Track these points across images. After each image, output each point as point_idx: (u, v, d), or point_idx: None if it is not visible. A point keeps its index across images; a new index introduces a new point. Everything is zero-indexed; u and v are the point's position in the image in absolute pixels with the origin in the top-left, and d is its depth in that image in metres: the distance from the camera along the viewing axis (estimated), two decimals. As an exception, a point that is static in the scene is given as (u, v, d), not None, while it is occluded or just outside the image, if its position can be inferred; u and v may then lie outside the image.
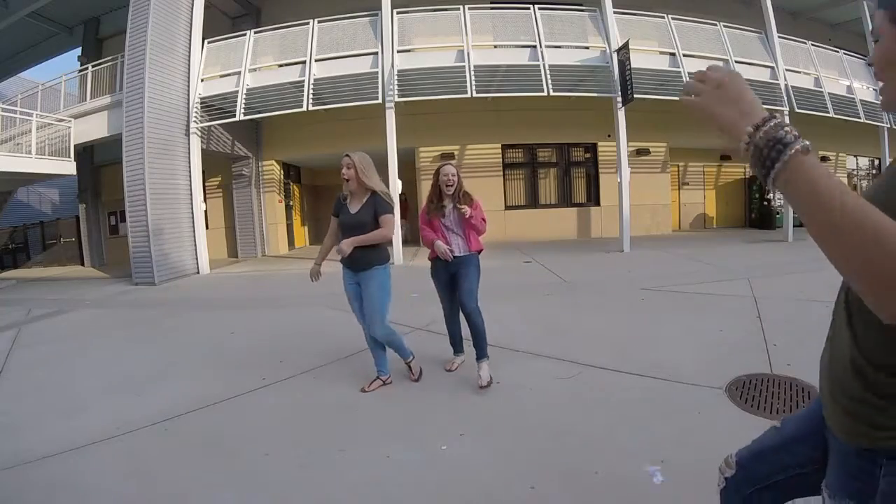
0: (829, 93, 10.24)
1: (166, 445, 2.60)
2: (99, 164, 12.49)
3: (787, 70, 10.09)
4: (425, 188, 3.94)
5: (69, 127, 9.76)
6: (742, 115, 0.68)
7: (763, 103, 0.70)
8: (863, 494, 0.80)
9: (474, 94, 8.57)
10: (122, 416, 2.93)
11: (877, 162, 14.96)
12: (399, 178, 8.96)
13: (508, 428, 2.58)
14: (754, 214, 14.20)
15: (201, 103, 9.43)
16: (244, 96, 9.06)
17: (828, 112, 10.12)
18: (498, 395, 3.00)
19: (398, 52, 8.84)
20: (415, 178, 11.70)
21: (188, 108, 9.34)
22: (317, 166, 14.37)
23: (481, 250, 3.36)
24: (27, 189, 16.88)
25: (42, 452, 2.54)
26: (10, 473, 2.37)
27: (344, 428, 2.69)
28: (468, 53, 8.77)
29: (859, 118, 10.65)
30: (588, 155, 12.41)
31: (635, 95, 8.62)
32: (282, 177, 12.74)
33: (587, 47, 9.34)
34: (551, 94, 8.74)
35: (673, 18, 9.46)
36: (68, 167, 9.89)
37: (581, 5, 9.66)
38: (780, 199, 12.78)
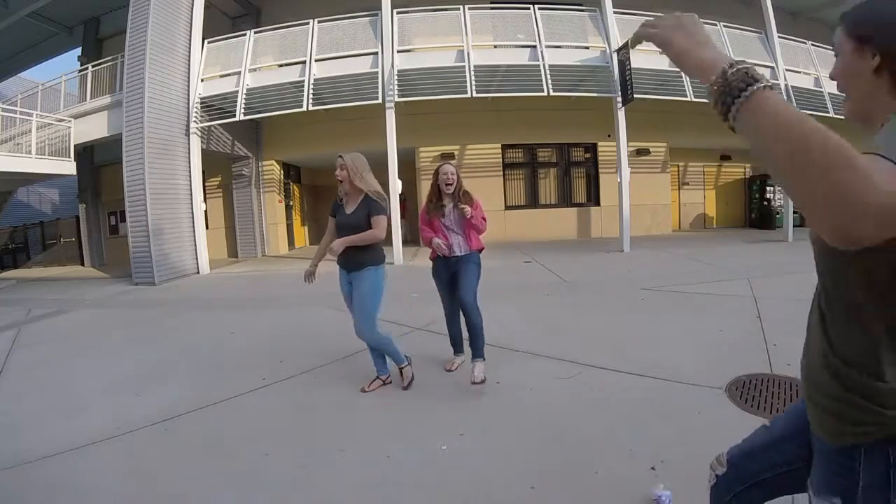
0: (828, 93, 10.24)
1: (166, 445, 2.60)
2: (99, 164, 12.50)
3: (787, 70, 10.09)
4: (425, 188, 3.94)
5: (69, 127, 9.76)
6: (699, 44, 0.72)
7: None
8: (847, 491, 0.83)
9: (474, 94, 8.58)
10: (122, 416, 2.93)
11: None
12: (399, 178, 8.97)
13: (508, 428, 2.58)
14: (754, 214, 14.20)
15: (201, 103, 9.43)
16: (244, 96, 9.06)
17: (828, 112, 10.11)
18: (498, 395, 2.99)
19: (398, 52, 8.84)
20: (415, 178, 11.71)
21: (188, 108, 9.34)
22: (317, 166, 14.37)
23: (482, 249, 3.38)
24: (27, 189, 16.88)
25: (42, 452, 2.54)
26: (10, 473, 2.37)
27: (344, 428, 2.69)
28: (468, 53, 8.77)
29: (859, 118, 10.63)
30: (588, 155, 12.41)
31: (635, 95, 8.62)
32: (282, 177, 12.74)
33: (587, 47, 9.34)
34: (551, 94, 8.74)
35: (673, 18, 9.45)
36: (68, 167, 9.89)
37: (581, 5, 9.67)
38: (780, 198, 12.79)
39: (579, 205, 12.41)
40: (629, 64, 8.57)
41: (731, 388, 2.85)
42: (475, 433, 2.53)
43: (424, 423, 2.71)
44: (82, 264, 12.95)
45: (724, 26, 9.80)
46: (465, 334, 3.41)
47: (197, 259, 9.49)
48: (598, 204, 12.32)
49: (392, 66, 8.70)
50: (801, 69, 10.48)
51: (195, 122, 9.35)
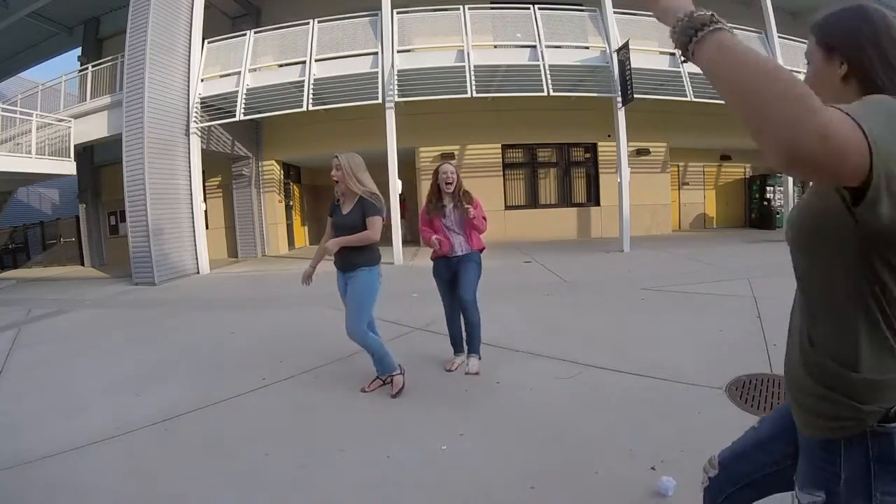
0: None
1: (166, 445, 2.60)
2: (99, 164, 12.50)
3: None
4: (425, 188, 3.95)
5: (69, 127, 9.76)
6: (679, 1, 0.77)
7: None
8: (830, 484, 0.86)
9: (474, 94, 8.58)
10: (122, 416, 2.93)
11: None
12: (399, 178, 8.97)
13: (508, 428, 2.58)
14: (754, 214, 14.20)
15: (201, 103, 9.43)
16: (244, 96, 9.06)
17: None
18: (498, 395, 2.99)
19: (398, 52, 8.84)
20: (415, 178, 11.71)
21: (188, 108, 9.34)
22: (317, 166, 14.36)
23: (483, 249, 3.40)
24: (27, 189, 16.88)
25: (42, 452, 2.54)
26: (10, 473, 2.37)
27: (344, 428, 2.69)
28: (468, 53, 8.77)
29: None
30: (588, 155, 12.41)
31: (635, 95, 8.62)
32: (282, 177, 12.74)
33: (587, 47, 9.34)
34: (551, 94, 8.74)
35: (673, 18, 9.45)
36: (68, 167, 9.89)
37: (581, 5, 9.67)
38: (780, 198, 12.79)
39: (579, 205, 12.41)
40: (629, 64, 8.57)
41: (731, 388, 2.85)
42: (475, 433, 2.53)
43: (424, 423, 2.71)
44: (82, 264, 12.95)
45: (724, 26, 9.79)
46: (465, 334, 3.42)
47: (197, 259, 9.49)
48: (598, 204, 12.32)
49: (392, 66, 8.70)
50: (802, 69, 10.39)
51: (195, 122, 9.35)
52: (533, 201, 12.35)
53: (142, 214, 8.48)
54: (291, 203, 13.57)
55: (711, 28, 0.69)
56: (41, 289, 9.17)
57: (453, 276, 3.32)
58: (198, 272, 9.45)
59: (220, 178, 12.46)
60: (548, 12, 9.19)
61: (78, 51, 12.68)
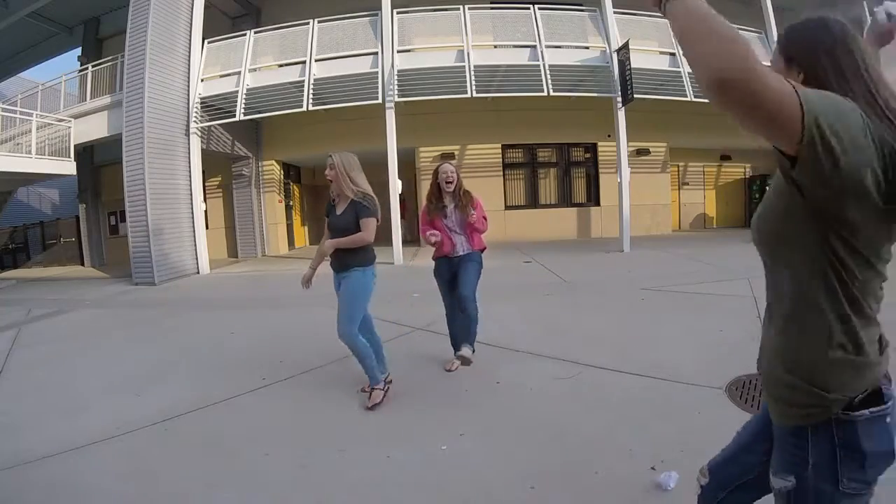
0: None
1: (166, 445, 2.60)
2: (99, 164, 12.50)
3: (787, 70, 10.08)
4: (425, 188, 3.95)
5: (69, 127, 9.76)
6: None
7: None
8: (799, 468, 0.91)
9: (474, 94, 8.58)
10: (122, 416, 2.93)
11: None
12: (399, 178, 8.97)
13: (508, 428, 2.58)
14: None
15: (201, 103, 9.43)
16: (244, 96, 9.06)
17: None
18: (498, 395, 2.99)
19: (398, 52, 8.84)
20: (415, 178, 11.71)
21: (188, 108, 9.34)
22: (317, 166, 14.36)
23: (484, 249, 3.40)
24: (27, 189, 16.88)
25: (42, 452, 2.54)
26: (10, 473, 2.37)
27: (344, 428, 2.69)
28: (468, 53, 8.77)
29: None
30: (588, 155, 12.41)
31: (635, 95, 8.61)
32: (282, 177, 12.74)
33: (587, 47, 9.34)
34: (551, 94, 8.74)
35: (673, 18, 9.45)
36: (68, 167, 9.89)
37: (581, 5, 9.66)
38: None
39: (579, 205, 12.41)
40: (629, 64, 8.57)
41: (731, 388, 2.85)
42: (475, 433, 2.53)
43: (424, 422, 2.71)
44: (82, 264, 12.95)
45: (724, 26, 9.79)
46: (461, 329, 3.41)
47: (197, 259, 9.49)
48: (598, 204, 12.32)
49: (392, 66, 8.70)
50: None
51: (195, 122, 9.35)
52: (533, 201, 12.35)
53: (142, 214, 8.48)
54: (291, 203, 13.57)
55: None
56: (41, 289, 9.17)
57: (454, 276, 3.32)
58: (198, 272, 9.45)
59: (220, 178, 12.46)
60: (548, 12, 9.19)
61: (78, 51, 12.69)
